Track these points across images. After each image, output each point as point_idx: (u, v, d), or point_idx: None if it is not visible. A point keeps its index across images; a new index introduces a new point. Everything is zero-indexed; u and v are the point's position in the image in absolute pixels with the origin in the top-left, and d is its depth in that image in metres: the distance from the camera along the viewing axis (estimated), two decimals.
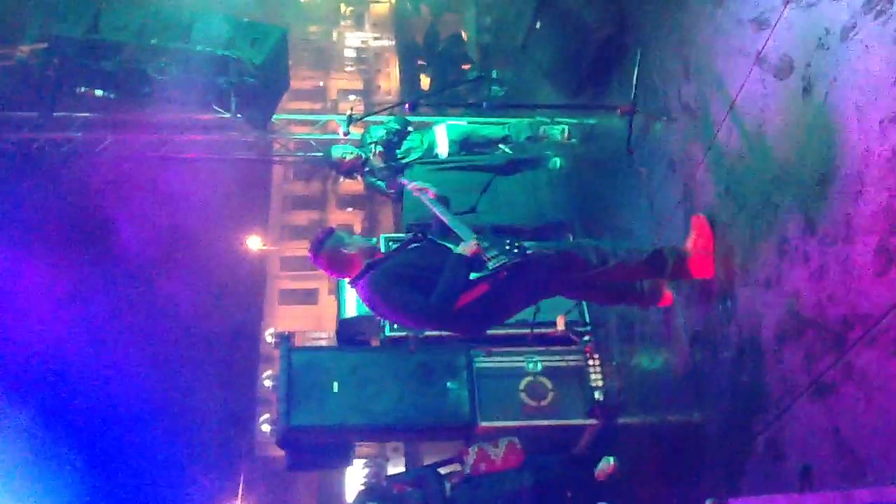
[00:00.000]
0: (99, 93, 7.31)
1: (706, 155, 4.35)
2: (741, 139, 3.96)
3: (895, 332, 2.78)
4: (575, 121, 7.01)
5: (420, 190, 4.75)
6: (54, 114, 7.77)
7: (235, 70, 6.80)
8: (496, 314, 4.11)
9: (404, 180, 5.17)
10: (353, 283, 4.04)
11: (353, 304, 6.82)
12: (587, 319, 6.45)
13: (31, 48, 6.97)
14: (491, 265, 3.80)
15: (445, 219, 4.20)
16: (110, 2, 6.82)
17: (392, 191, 6.59)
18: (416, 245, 4.17)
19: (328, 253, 3.99)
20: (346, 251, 3.98)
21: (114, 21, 6.76)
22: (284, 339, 6.72)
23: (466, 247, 3.90)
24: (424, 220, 4.92)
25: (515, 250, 3.86)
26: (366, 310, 6.74)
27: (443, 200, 4.56)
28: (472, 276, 3.83)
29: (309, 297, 31.86)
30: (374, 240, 4.48)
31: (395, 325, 6.40)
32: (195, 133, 8.23)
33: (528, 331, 6.32)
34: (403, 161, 6.61)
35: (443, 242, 4.09)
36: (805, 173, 3.36)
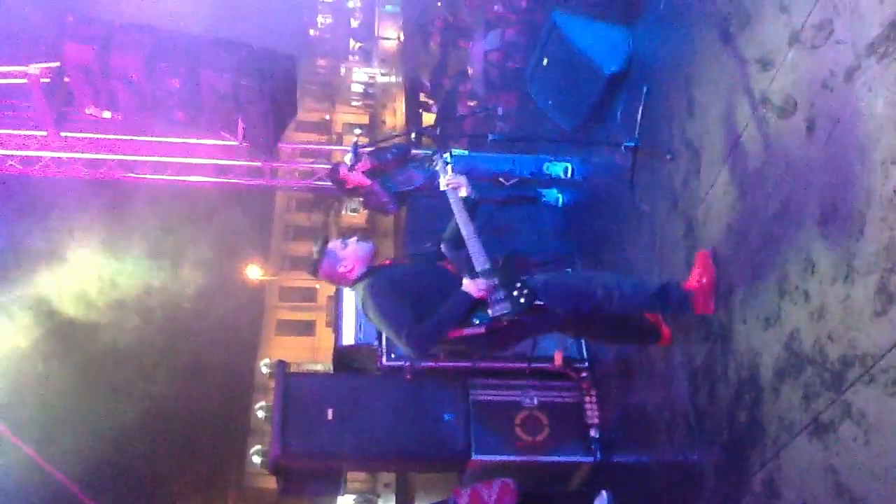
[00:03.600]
0: (107, 114, 7.36)
1: (709, 192, 4.37)
2: (744, 177, 3.99)
3: (894, 371, 2.78)
4: (578, 157, 7.06)
5: (453, 182, 4.19)
6: (61, 133, 7.83)
7: (244, 95, 6.85)
8: (485, 351, 4.05)
9: (438, 161, 4.37)
10: (353, 283, 4.01)
11: (350, 332, 6.82)
12: (585, 355, 6.43)
13: (42, 67, 7.05)
14: (493, 312, 3.68)
15: (465, 232, 3.94)
16: (123, 24, 6.89)
17: (394, 206, 6.45)
18: (424, 258, 4.13)
19: (325, 270, 4.03)
20: (342, 262, 3.98)
21: (125, 43, 6.83)
22: (281, 364, 6.70)
23: (475, 287, 3.73)
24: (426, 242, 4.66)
25: (522, 299, 3.67)
26: (363, 338, 6.80)
27: (471, 206, 4.11)
28: (473, 310, 3.71)
29: (306, 328, 31.75)
30: (373, 243, 4.18)
31: (392, 354, 6.39)
32: (200, 156, 8.27)
33: (525, 365, 6.32)
34: (404, 189, 6.61)
35: (453, 255, 3.99)
36: (807, 212, 3.38)
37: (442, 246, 4.06)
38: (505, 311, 3.67)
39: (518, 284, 3.72)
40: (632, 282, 4.21)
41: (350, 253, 4.00)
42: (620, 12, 5.99)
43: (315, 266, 4.03)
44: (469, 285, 3.75)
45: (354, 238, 4.09)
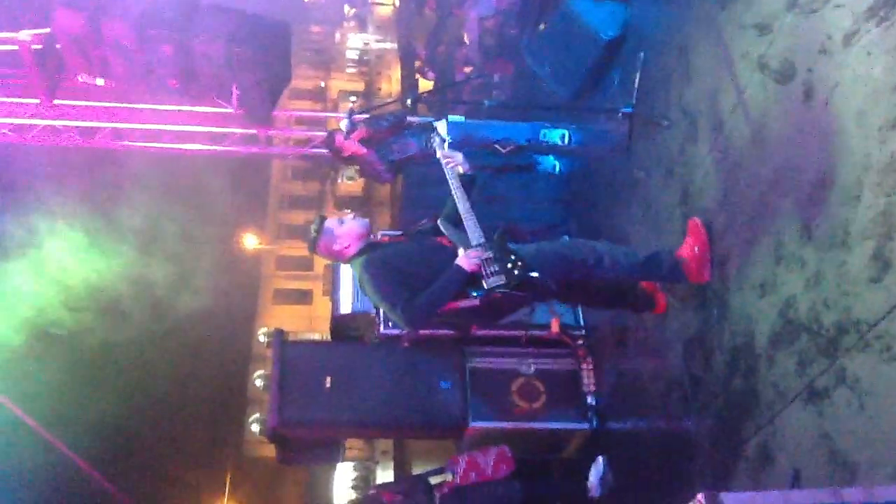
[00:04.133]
0: (100, 81, 7.28)
1: (705, 159, 4.35)
2: (741, 144, 3.97)
3: (889, 338, 2.79)
4: (575, 125, 7.02)
5: (449, 160, 4.17)
6: (54, 101, 7.75)
7: (237, 62, 6.78)
8: (480, 322, 4.09)
9: (435, 138, 4.34)
10: (349, 260, 4.09)
11: (347, 301, 6.81)
12: (581, 323, 6.45)
13: (33, 34, 6.95)
14: (488, 284, 3.70)
15: (460, 208, 3.97)
16: None
17: (390, 175, 6.41)
18: (421, 234, 4.16)
19: (323, 247, 4.10)
20: (338, 239, 4.05)
21: (116, 9, 6.73)
22: (278, 333, 6.71)
23: (468, 260, 3.78)
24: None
25: (517, 272, 3.70)
26: (360, 307, 6.80)
27: (468, 182, 4.11)
28: (468, 283, 3.75)
29: (303, 297, 31.82)
30: (368, 220, 4.23)
31: (390, 323, 6.40)
32: (195, 124, 8.21)
33: (522, 332, 6.33)
34: (400, 157, 6.56)
35: (450, 231, 4.01)
36: (804, 179, 3.36)
37: (439, 222, 4.08)
38: (499, 284, 3.70)
39: (512, 257, 3.75)
40: (623, 250, 4.24)
41: (346, 230, 4.06)
42: None
43: (313, 244, 4.11)
44: (463, 259, 3.80)
45: (351, 215, 4.19)
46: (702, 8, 4.47)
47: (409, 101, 4.61)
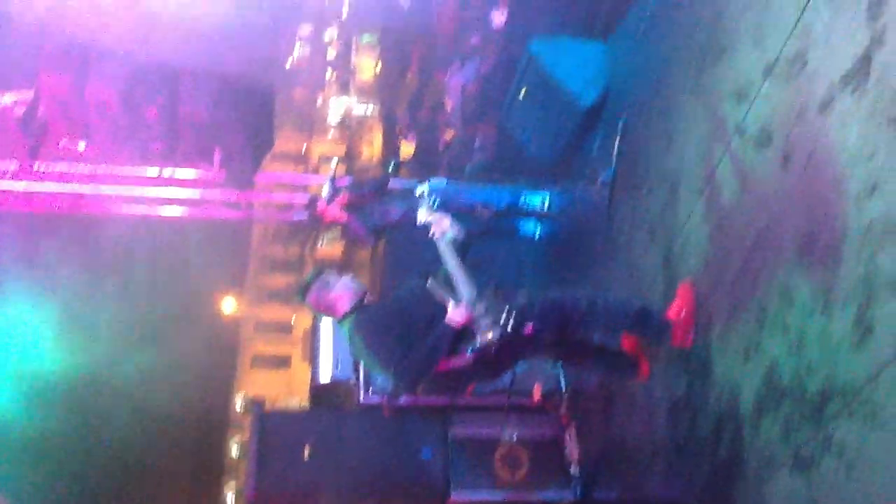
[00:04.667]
0: (82, 146, 7.28)
1: (686, 223, 4.38)
2: (721, 208, 4.00)
3: (874, 404, 2.76)
4: (556, 189, 7.08)
5: (440, 227, 4.10)
6: (34, 165, 7.72)
7: (221, 126, 6.82)
8: (474, 381, 4.02)
9: (424, 203, 4.28)
10: (340, 321, 4.00)
11: (327, 368, 6.73)
12: (564, 389, 6.39)
13: (17, 97, 6.96)
14: (481, 338, 3.63)
15: (450, 266, 3.92)
16: (99, 53, 6.82)
17: (372, 239, 6.41)
18: (412, 289, 4.11)
19: (315, 295, 4.01)
20: (332, 293, 3.97)
21: (101, 72, 6.77)
22: (257, 405, 6.63)
23: (459, 314, 3.71)
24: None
25: (510, 324, 3.65)
26: (340, 375, 6.71)
27: (460, 247, 4.04)
28: (461, 339, 3.70)
29: (282, 362, 31.44)
30: (362, 282, 4.17)
31: (370, 391, 6.31)
32: (176, 188, 8.18)
33: (504, 399, 6.26)
34: (382, 222, 6.58)
35: (441, 288, 3.97)
36: (785, 243, 3.38)
37: (428, 283, 4.02)
38: (492, 337, 3.64)
39: (505, 308, 3.70)
40: (616, 297, 4.23)
41: (342, 285, 3.99)
42: (597, 29, 6.05)
43: (305, 291, 4.02)
44: (454, 311, 3.72)
45: (350, 275, 4.08)
46: (680, 74, 4.56)
47: (390, 167, 4.62)
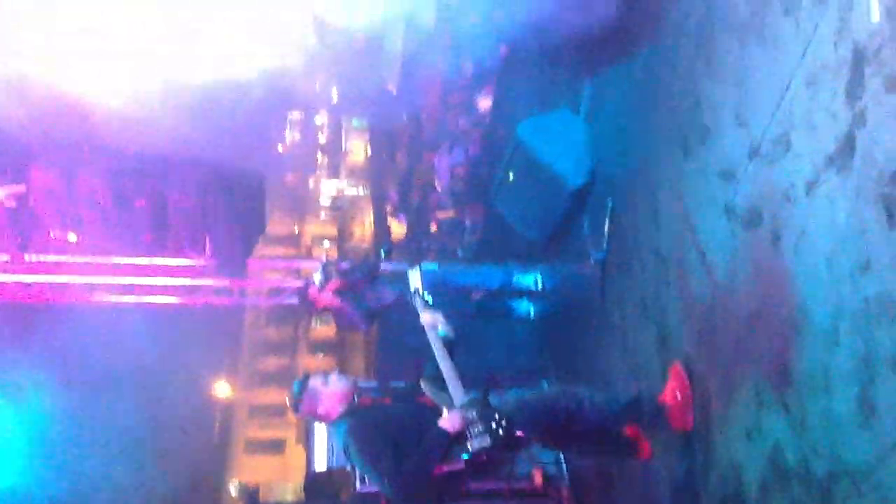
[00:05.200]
0: (72, 237, 7.29)
1: (679, 301, 4.36)
2: (712, 288, 3.99)
3: (884, 488, 2.70)
4: (547, 269, 7.08)
5: (431, 322, 4.21)
6: (25, 257, 7.70)
7: (211, 214, 6.85)
8: (468, 481, 3.97)
9: (417, 299, 4.40)
10: (333, 425, 4.00)
11: (322, 456, 6.59)
12: (565, 472, 6.26)
13: (7, 191, 6.99)
14: (472, 446, 3.64)
15: (443, 368, 3.97)
16: (89, 146, 6.89)
17: (365, 324, 6.37)
18: (404, 395, 4.09)
19: (307, 409, 4.04)
20: (323, 400, 3.98)
21: (90, 164, 6.83)
22: (250, 494, 6.43)
23: (451, 421, 3.73)
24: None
25: (501, 431, 3.66)
26: (336, 462, 6.57)
27: (449, 344, 4.14)
28: (454, 445, 3.69)
29: (277, 447, 30.84)
30: (354, 379, 4.17)
31: (366, 480, 6.15)
32: (167, 277, 8.15)
33: (504, 485, 6.11)
34: (375, 306, 6.53)
35: (433, 392, 3.96)
36: (779, 323, 3.35)
37: (421, 383, 4.03)
38: (484, 445, 3.64)
39: (496, 416, 3.70)
40: (603, 394, 4.23)
41: (331, 392, 3.99)
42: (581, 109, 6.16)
43: (296, 406, 4.06)
44: (446, 420, 3.74)
45: (335, 374, 4.07)
46: (667, 155, 4.60)
47: (382, 251, 4.64)
